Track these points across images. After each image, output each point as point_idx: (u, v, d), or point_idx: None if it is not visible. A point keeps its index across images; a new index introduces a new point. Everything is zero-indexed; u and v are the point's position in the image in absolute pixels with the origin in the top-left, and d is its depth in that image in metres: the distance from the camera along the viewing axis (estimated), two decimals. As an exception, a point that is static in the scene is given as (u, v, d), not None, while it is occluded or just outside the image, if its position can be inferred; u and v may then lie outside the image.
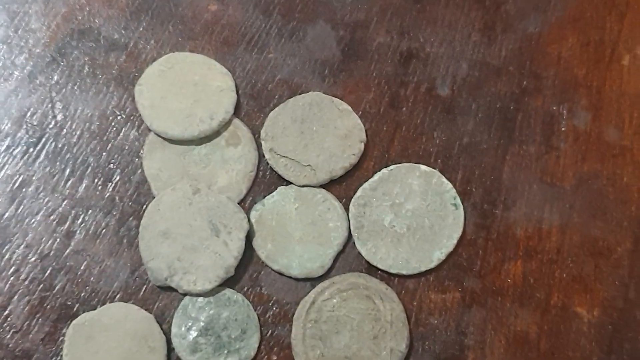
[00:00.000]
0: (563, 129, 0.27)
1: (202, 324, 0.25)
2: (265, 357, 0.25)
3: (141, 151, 0.26)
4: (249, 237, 0.25)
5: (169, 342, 0.24)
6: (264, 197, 0.26)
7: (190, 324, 0.25)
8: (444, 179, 0.26)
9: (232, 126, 0.27)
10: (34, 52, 0.27)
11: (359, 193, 0.26)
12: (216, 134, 0.27)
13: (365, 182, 0.26)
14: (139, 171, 0.26)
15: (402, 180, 0.26)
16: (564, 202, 0.26)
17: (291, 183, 0.26)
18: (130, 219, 0.26)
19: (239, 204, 0.26)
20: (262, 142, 0.27)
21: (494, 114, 0.27)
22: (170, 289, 0.25)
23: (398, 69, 0.28)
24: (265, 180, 0.27)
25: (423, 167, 0.26)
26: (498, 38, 0.28)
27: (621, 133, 0.27)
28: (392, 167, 0.26)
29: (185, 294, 0.25)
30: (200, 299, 0.25)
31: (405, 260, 0.25)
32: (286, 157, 0.26)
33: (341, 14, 0.28)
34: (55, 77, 0.27)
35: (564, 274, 0.25)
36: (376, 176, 0.26)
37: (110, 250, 0.25)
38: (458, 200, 0.26)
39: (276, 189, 0.26)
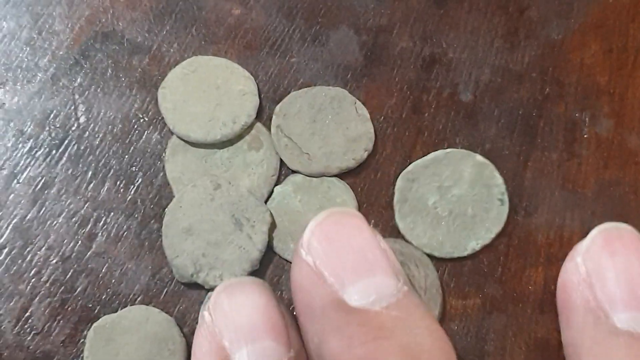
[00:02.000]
0: (585, 135, 0.27)
1: None
2: None
3: (163, 154, 0.26)
4: (270, 240, 0.25)
5: (188, 345, 0.24)
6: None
7: None
8: (497, 173, 0.26)
9: (254, 130, 0.27)
10: (57, 55, 0.27)
11: (410, 168, 0.26)
12: (238, 137, 0.27)
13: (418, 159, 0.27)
14: (161, 174, 0.26)
15: (455, 165, 0.26)
16: (586, 209, 0.26)
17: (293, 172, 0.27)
18: (152, 222, 0.26)
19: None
20: (274, 117, 0.27)
21: (516, 120, 0.27)
22: (196, 285, 0.25)
23: (420, 74, 0.28)
24: (287, 184, 0.27)
25: (479, 157, 0.26)
26: (521, 44, 0.28)
27: (644, 140, 0.27)
28: (448, 150, 0.27)
29: (210, 290, 0.25)
30: None
31: (440, 242, 0.26)
32: (289, 138, 0.26)
33: (364, 18, 0.28)
34: (79, 80, 0.27)
35: (586, 281, 0.25)
36: (431, 155, 0.27)
37: (132, 253, 0.25)
38: (505, 197, 0.26)
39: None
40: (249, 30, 0.28)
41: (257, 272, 0.25)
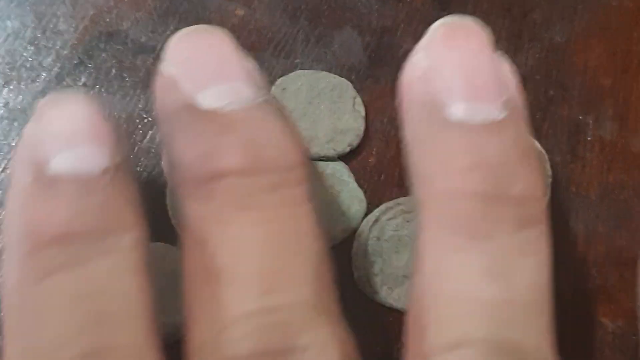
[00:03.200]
0: (589, 138, 0.27)
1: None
2: None
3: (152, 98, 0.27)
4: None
5: None
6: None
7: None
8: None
9: None
10: (61, 54, 0.27)
11: None
12: None
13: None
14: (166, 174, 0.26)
15: None
16: (589, 212, 0.26)
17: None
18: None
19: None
20: (273, 87, 0.27)
21: (520, 123, 0.27)
22: None
23: (424, 76, 0.28)
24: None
25: None
26: (524, 47, 0.28)
27: (647, 143, 0.27)
28: None
29: None
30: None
31: None
32: None
33: (368, 20, 0.28)
34: (83, 79, 0.27)
35: (589, 284, 0.25)
36: None
37: (135, 252, 0.25)
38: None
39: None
40: (253, 31, 0.28)
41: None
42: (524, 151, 0.19)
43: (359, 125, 0.27)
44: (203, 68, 0.18)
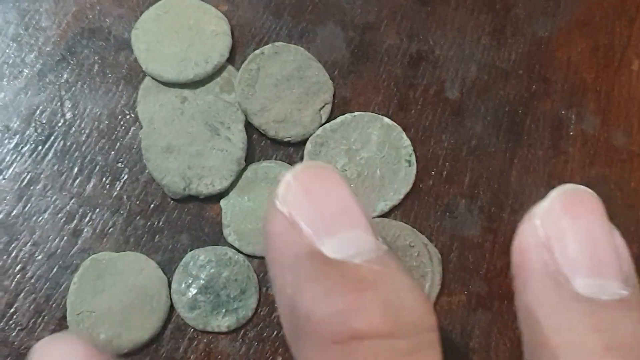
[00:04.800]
0: (571, 133, 0.27)
1: (202, 282, 0.25)
2: (263, 317, 0.25)
3: (135, 95, 0.27)
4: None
5: (171, 309, 0.25)
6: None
7: (190, 281, 0.25)
8: (404, 135, 0.27)
9: (226, 73, 0.27)
10: (44, 51, 0.27)
11: (318, 132, 0.27)
12: (210, 78, 0.27)
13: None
14: (147, 170, 0.26)
15: (362, 128, 0.27)
16: (572, 207, 0.26)
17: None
18: (138, 218, 0.26)
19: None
20: (248, 60, 0.27)
21: (503, 118, 0.27)
22: (190, 198, 0.26)
23: (407, 72, 0.28)
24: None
25: (386, 119, 0.27)
26: (507, 42, 0.28)
27: (629, 138, 0.27)
28: (356, 113, 0.27)
29: (206, 199, 0.26)
30: (202, 257, 0.25)
31: None
32: (254, 87, 0.27)
33: (351, 15, 0.28)
34: (65, 76, 0.27)
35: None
36: (339, 119, 0.27)
37: (117, 249, 0.25)
38: (413, 158, 0.27)
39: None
40: (236, 26, 0.28)
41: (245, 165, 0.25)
42: None
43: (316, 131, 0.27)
44: (325, 212, 0.17)
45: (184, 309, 0.25)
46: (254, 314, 0.25)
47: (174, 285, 0.25)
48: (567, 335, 0.18)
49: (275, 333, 0.25)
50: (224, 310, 0.25)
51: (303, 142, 0.27)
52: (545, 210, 0.19)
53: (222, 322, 0.25)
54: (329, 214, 0.17)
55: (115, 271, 0.25)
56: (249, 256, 0.26)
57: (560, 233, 0.18)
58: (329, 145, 0.26)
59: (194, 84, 0.27)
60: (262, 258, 0.25)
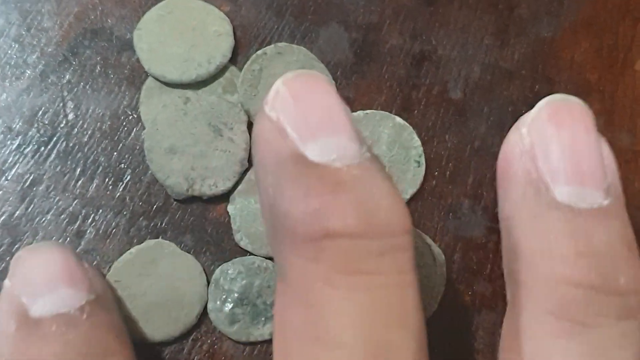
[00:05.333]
0: (575, 133, 0.27)
1: (236, 294, 0.25)
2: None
3: (138, 95, 0.27)
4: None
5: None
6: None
7: (224, 296, 0.25)
8: (415, 136, 0.27)
9: (228, 73, 0.27)
10: (46, 51, 0.27)
11: None
12: (213, 79, 0.27)
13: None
14: (150, 171, 0.26)
15: (374, 126, 0.27)
16: (576, 207, 0.26)
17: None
18: (141, 219, 0.26)
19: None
20: (251, 61, 0.27)
21: (506, 118, 0.27)
22: (193, 200, 0.26)
23: (410, 72, 0.28)
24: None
25: (398, 119, 0.27)
26: (511, 42, 0.28)
27: (634, 138, 0.27)
28: (368, 111, 0.27)
29: (209, 199, 0.26)
30: (231, 270, 0.25)
31: None
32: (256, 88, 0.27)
33: (354, 16, 0.28)
34: (67, 77, 0.27)
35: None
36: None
37: (120, 250, 0.25)
38: (422, 159, 0.26)
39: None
40: (238, 27, 0.28)
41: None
42: (629, 242, 0.19)
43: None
44: (311, 117, 0.18)
45: (224, 324, 0.24)
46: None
47: (209, 305, 0.25)
48: (542, 241, 0.18)
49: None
50: (263, 319, 0.24)
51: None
52: (532, 119, 0.19)
53: (265, 330, 0.24)
54: (315, 119, 0.18)
55: (169, 266, 0.25)
56: (266, 258, 0.25)
57: (545, 141, 0.18)
58: None
59: (197, 84, 0.27)
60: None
